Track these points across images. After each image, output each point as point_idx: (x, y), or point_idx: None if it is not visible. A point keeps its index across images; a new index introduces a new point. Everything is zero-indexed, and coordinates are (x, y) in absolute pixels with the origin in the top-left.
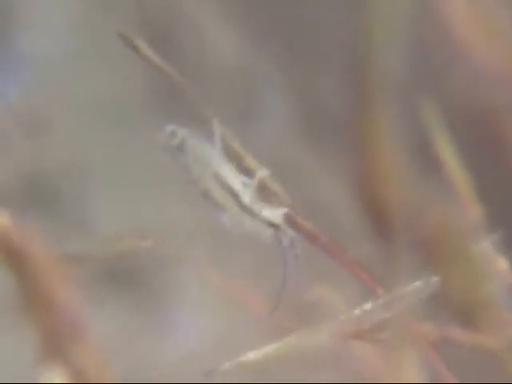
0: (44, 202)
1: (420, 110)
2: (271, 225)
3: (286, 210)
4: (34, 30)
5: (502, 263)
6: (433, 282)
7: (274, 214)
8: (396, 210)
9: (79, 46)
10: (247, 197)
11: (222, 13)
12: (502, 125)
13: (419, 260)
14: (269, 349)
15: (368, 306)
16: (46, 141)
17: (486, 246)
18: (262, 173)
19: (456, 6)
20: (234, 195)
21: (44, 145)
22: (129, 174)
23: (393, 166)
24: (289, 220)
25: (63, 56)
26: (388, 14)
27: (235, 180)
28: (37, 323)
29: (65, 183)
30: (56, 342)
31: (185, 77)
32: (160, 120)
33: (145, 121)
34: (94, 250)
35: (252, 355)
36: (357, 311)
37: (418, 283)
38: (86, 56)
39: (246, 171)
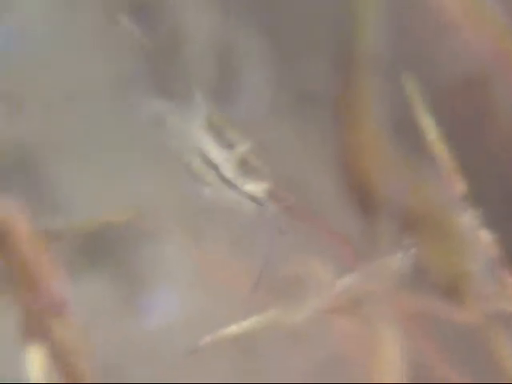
0: (21, 178)
1: (403, 86)
2: (254, 199)
3: (268, 184)
4: (13, 7)
5: (484, 237)
6: (414, 254)
7: (256, 188)
8: (378, 184)
9: (58, 21)
10: (229, 170)
11: None
12: (486, 100)
13: (401, 233)
14: (249, 323)
15: (349, 279)
16: (23, 117)
17: (468, 221)
18: (244, 147)
19: None
20: (216, 169)
21: (21, 121)
22: (107, 149)
23: (376, 142)
24: (271, 194)
25: (41, 32)
26: None
27: (217, 154)
28: (18, 299)
29: (42, 159)
30: (38, 317)
31: (165, 52)
32: (142, 95)
33: (125, 95)
34: (72, 225)
35: (232, 330)
36: (338, 284)
37: (399, 256)
38: (64, 32)
39: (228, 145)
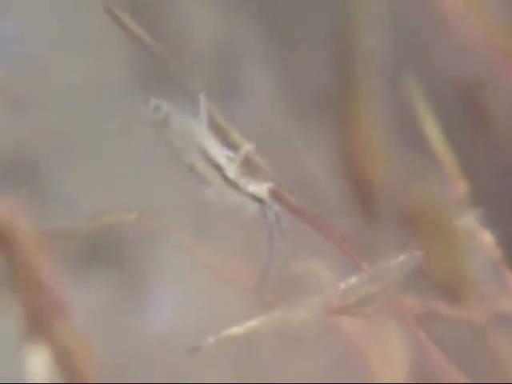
0: (23, 178)
1: (404, 86)
2: (256, 199)
3: (271, 184)
4: (13, 7)
5: (485, 238)
6: (416, 256)
7: (260, 188)
8: (380, 184)
9: (60, 21)
10: (232, 171)
11: None
12: (486, 101)
13: (403, 234)
14: (253, 323)
15: (352, 279)
16: (25, 117)
17: (469, 221)
18: (247, 147)
19: None
20: (219, 169)
21: (23, 121)
22: (112, 149)
23: (377, 142)
24: (274, 194)
25: (44, 32)
26: None
27: (220, 154)
28: (20, 299)
29: (46, 159)
30: (39, 318)
31: (168, 51)
32: (144, 94)
33: (129, 95)
34: (76, 225)
35: (236, 330)
36: (341, 285)
37: (401, 257)
38: (66, 32)
39: (231, 146)
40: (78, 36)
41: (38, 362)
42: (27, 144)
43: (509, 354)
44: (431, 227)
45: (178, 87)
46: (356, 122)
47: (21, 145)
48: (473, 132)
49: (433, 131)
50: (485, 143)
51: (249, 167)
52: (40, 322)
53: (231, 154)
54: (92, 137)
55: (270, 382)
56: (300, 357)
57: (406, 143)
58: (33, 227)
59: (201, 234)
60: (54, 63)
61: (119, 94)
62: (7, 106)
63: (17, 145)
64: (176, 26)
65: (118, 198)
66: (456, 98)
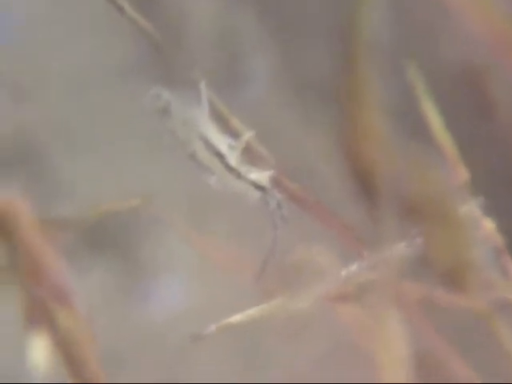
0: (24, 166)
1: (405, 73)
2: (258, 187)
3: (272, 172)
4: None
5: (488, 225)
6: (418, 243)
7: (261, 176)
8: (382, 172)
9: (61, 10)
10: (233, 159)
11: None
12: (488, 88)
13: (404, 222)
14: (254, 311)
15: (353, 267)
16: (26, 105)
17: (471, 209)
18: (248, 135)
19: None
20: (221, 157)
21: (24, 109)
22: (112, 138)
23: (379, 130)
24: (275, 182)
25: (45, 21)
26: None
27: (221, 142)
28: (22, 287)
29: (45, 147)
30: (41, 305)
31: (168, 40)
32: (145, 83)
33: (129, 84)
34: (76, 213)
35: (237, 318)
36: (342, 272)
37: (402, 245)
38: (66, 21)
39: (232, 134)
40: (79, 24)
41: (40, 349)
42: (29, 132)
43: (510, 342)
44: (433, 215)
45: (179, 75)
46: (357, 110)
47: (22, 133)
48: (475, 119)
49: (435, 119)
50: (487, 131)
51: (250, 155)
52: (42, 309)
53: (232, 142)
54: (94, 125)
55: (272, 370)
56: (301, 345)
57: (408, 131)
58: (34, 215)
59: (202, 221)
60: (55, 51)
61: (120, 82)
62: (8, 95)
63: (18, 133)
64: (176, 14)
65: (119, 186)
66: (458, 85)
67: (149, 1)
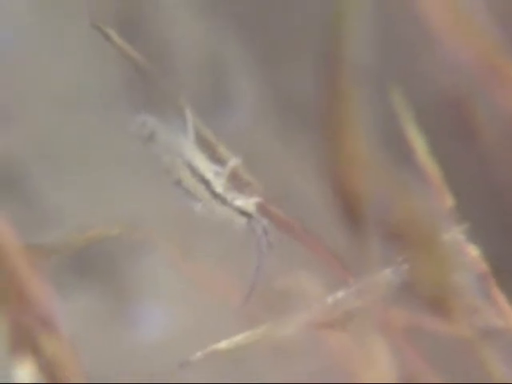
0: (9, 191)
1: (390, 98)
2: (244, 213)
3: (258, 198)
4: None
5: (472, 252)
6: (403, 270)
7: (247, 202)
8: (367, 198)
9: (48, 33)
10: (219, 186)
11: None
12: (473, 115)
13: (390, 248)
14: (241, 338)
15: (339, 294)
16: (12, 130)
17: (456, 235)
18: (234, 162)
19: None
20: (207, 184)
21: (9, 134)
22: (98, 162)
23: (363, 155)
24: (261, 209)
25: (31, 44)
26: (358, 4)
27: (207, 169)
28: (5, 314)
29: (30, 172)
30: (26, 331)
31: (154, 66)
32: (131, 108)
33: (115, 108)
34: (61, 239)
35: (224, 344)
36: (329, 299)
37: (388, 271)
38: (55, 44)
39: (218, 160)
40: (65, 48)
41: (26, 376)
42: (14, 156)
43: (496, 368)
44: (418, 241)
45: (165, 102)
46: (342, 135)
47: (7, 157)
48: (459, 146)
49: (419, 145)
50: (471, 157)
51: (236, 182)
52: (27, 335)
53: (218, 169)
54: (79, 149)
55: None
56: (287, 371)
57: (392, 156)
58: (19, 241)
59: (188, 247)
60: (42, 75)
61: (106, 106)
62: None
63: (3, 157)
64: (162, 40)
65: (105, 212)
66: (443, 112)
67: (135, 27)
